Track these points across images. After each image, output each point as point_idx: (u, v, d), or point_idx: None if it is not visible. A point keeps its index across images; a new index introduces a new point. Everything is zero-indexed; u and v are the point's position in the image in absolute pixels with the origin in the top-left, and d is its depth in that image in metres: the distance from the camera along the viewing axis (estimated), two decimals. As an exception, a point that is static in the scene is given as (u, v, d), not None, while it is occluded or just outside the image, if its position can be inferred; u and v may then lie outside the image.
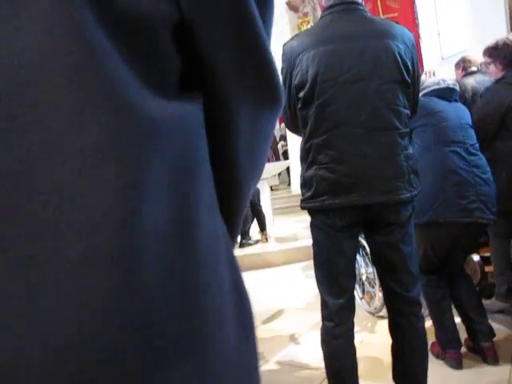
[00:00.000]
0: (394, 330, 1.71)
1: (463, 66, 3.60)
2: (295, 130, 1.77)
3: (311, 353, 2.67)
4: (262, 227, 5.50)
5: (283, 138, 10.50)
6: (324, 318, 1.70)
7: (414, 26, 5.53)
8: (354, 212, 1.59)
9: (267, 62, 0.41)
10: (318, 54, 1.56)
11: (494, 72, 2.64)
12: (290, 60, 1.62)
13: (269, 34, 0.42)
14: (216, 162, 0.42)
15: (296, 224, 6.69)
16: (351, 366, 1.67)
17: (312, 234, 1.72)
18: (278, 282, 4.33)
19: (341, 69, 1.54)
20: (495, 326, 2.39)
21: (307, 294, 3.82)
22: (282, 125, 10.52)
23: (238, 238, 5.40)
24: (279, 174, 9.90)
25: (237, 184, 0.47)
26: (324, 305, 1.69)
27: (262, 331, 3.12)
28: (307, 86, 1.56)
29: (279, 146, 10.63)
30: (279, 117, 0.53)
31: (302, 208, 1.71)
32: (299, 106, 1.62)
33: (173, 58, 0.37)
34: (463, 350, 2.31)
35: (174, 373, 0.32)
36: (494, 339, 2.28)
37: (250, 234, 5.47)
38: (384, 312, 3.09)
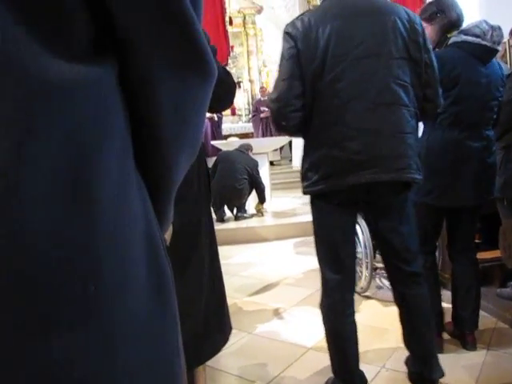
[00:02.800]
0: (399, 299, 1.78)
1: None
2: (288, 112, 1.61)
3: (294, 328, 2.70)
4: (262, 199, 5.48)
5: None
6: (324, 294, 1.74)
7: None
8: (355, 191, 1.61)
9: (193, 34, 0.39)
10: (328, 30, 1.55)
11: None
12: (298, 35, 1.58)
13: (197, 7, 0.40)
14: (140, 136, 0.41)
15: (294, 200, 6.68)
16: (351, 338, 1.73)
17: (312, 212, 1.76)
18: (270, 257, 4.35)
19: (350, 44, 1.54)
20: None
21: (297, 270, 3.85)
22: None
23: (234, 211, 5.40)
24: (281, 149, 9.83)
25: (164, 160, 0.45)
26: (324, 281, 1.73)
27: (246, 304, 3.15)
28: (317, 61, 1.55)
29: (283, 120, 10.53)
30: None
31: (307, 193, 1.71)
32: (308, 81, 1.57)
33: (83, 23, 0.35)
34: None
35: (74, 334, 0.33)
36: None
37: (246, 208, 5.46)
38: (370, 292, 3.11)
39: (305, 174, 1.69)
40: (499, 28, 2.59)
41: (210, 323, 1.60)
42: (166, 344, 0.42)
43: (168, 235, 0.99)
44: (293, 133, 1.73)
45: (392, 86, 1.56)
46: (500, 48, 2.26)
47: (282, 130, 1.70)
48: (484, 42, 2.10)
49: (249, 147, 5.51)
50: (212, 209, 5.41)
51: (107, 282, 0.35)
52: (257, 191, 5.40)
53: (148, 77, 0.40)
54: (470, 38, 2.06)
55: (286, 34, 1.61)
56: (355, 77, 1.54)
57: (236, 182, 5.05)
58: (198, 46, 0.40)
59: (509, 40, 5.59)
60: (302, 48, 1.56)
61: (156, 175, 0.45)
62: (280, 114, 1.61)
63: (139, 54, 0.39)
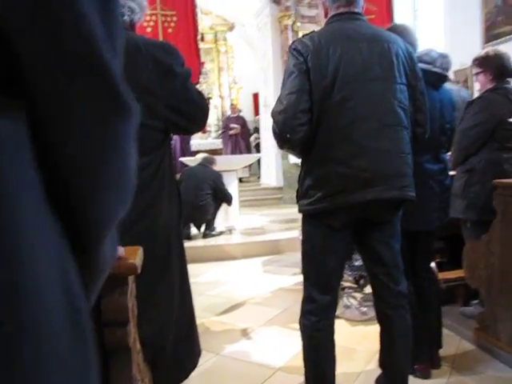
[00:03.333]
0: (383, 320, 1.80)
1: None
2: (293, 128, 1.61)
3: (262, 349, 2.68)
4: (228, 202, 5.38)
5: (257, 130, 10.46)
6: (308, 312, 1.75)
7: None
8: (356, 210, 1.64)
9: (103, 69, 0.38)
10: (339, 50, 1.60)
11: (483, 82, 2.68)
12: (308, 52, 1.61)
13: (113, 35, 0.39)
14: (55, 182, 0.40)
15: (262, 217, 6.70)
16: (331, 358, 1.75)
17: (305, 232, 1.77)
18: (238, 276, 4.32)
19: (361, 66, 1.61)
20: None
21: (265, 289, 3.83)
22: (257, 117, 10.48)
23: (202, 228, 5.36)
24: (250, 166, 9.87)
25: (81, 207, 0.43)
26: (309, 300, 1.74)
27: (214, 324, 3.11)
28: (327, 79, 1.59)
29: (252, 138, 10.58)
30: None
31: (307, 211, 1.70)
32: (316, 98, 1.60)
33: None
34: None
35: None
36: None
37: (215, 225, 5.42)
38: (338, 311, 3.12)
39: (305, 192, 1.68)
40: (447, 56, 2.73)
41: (179, 347, 1.57)
42: (80, 379, 0.42)
43: (138, 262, 0.97)
44: (295, 147, 1.69)
45: (396, 109, 1.64)
46: (448, 74, 2.36)
47: (285, 142, 1.66)
48: (435, 69, 2.21)
49: (212, 160, 5.43)
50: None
51: (25, 320, 0.35)
52: (225, 202, 5.34)
53: (58, 123, 0.39)
54: (422, 65, 2.15)
55: (295, 50, 1.64)
56: (364, 98, 1.60)
57: (197, 199, 4.97)
58: (110, 84, 0.39)
59: (471, 68, 5.85)
60: (313, 65, 1.60)
61: (77, 223, 0.44)
62: (286, 126, 1.61)
63: (46, 97, 0.38)
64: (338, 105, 1.59)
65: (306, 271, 1.79)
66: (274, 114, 1.66)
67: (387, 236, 1.73)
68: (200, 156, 5.84)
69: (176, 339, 1.53)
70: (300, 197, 1.72)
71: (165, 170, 1.48)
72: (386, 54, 1.65)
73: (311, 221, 1.73)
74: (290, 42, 8.40)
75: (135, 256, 1.00)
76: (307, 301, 1.76)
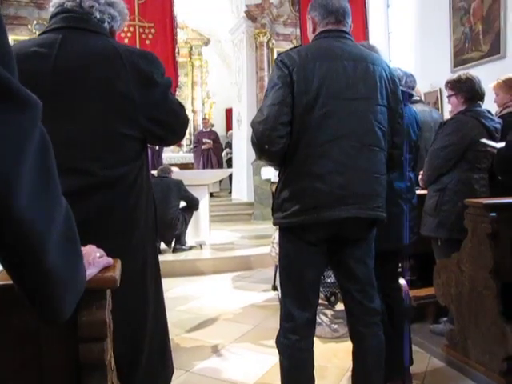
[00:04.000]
0: (356, 337, 1.78)
1: (407, 94, 3.75)
2: (272, 139, 1.60)
3: (233, 366, 2.63)
4: (195, 206, 5.28)
5: (229, 145, 10.47)
6: (287, 330, 1.70)
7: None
8: (331, 226, 1.63)
9: None
10: (325, 66, 1.61)
11: (455, 104, 2.77)
12: (294, 65, 1.61)
13: None
14: None
15: (232, 233, 6.65)
16: (311, 378, 1.72)
17: (282, 247, 1.75)
18: (208, 291, 4.25)
19: (345, 85, 1.61)
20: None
21: (235, 305, 3.78)
22: (230, 132, 10.50)
23: (173, 243, 5.27)
24: (220, 182, 9.84)
25: None
26: (289, 318, 1.70)
27: (184, 340, 3.04)
28: (311, 94, 1.59)
29: (224, 153, 10.56)
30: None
31: (281, 224, 1.70)
32: (298, 112, 1.60)
33: None
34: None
35: None
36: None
37: (186, 240, 5.34)
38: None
39: (281, 205, 1.67)
40: (412, 75, 2.80)
41: (153, 364, 1.51)
42: None
43: (117, 274, 0.93)
44: (273, 159, 1.69)
45: (376, 130, 1.65)
46: (414, 93, 2.42)
47: (263, 153, 1.65)
48: (400, 88, 2.25)
49: (169, 170, 5.34)
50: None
51: None
52: (192, 207, 5.24)
53: None
54: None
55: (281, 62, 1.64)
56: (345, 116, 1.61)
57: (165, 213, 4.84)
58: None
59: (441, 90, 6.06)
60: (297, 79, 1.59)
61: None
62: (265, 137, 1.60)
63: None
64: (320, 120, 1.59)
65: (283, 286, 1.76)
66: (253, 124, 1.66)
67: (362, 253, 1.74)
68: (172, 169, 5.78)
69: (150, 356, 1.47)
70: (275, 209, 1.71)
71: (142, 181, 1.43)
72: (370, 75, 1.66)
73: (287, 234, 1.72)
74: (265, 58, 8.53)
75: (114, 269, 0.96)
76: (286, 319, 1.72)
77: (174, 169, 5.87)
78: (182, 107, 1.53)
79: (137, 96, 1.32)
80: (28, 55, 1.26)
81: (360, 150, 1.62)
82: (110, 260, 0.98)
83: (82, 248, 0.89)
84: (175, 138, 1.59)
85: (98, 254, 0.94)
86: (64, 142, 1.22)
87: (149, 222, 1.49)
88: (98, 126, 1.29)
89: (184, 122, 1.53)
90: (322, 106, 1.59)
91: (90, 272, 0.87)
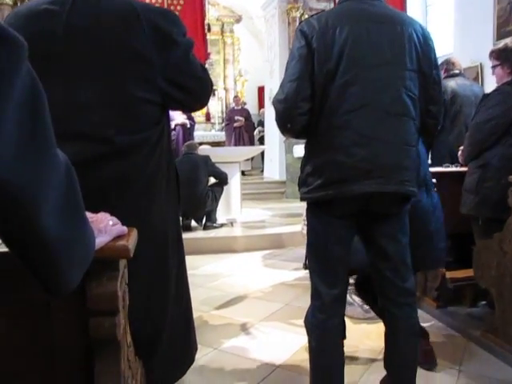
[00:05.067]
0: (388, 318, 1.71)
1: (446, 67, 3.55)
2: (292, 114, 1.55)
3: (261, 345, 2.59)
4: (224, 181, 5.24)
5: (261, 124, 10.35)
6: (316, 309, 1.65)
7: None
8: (357, 200, 1.56)
9: None
10: (345, 31, 1.50)
11: (500, 75, 2.56)
12: (314, 33, 1.52)
13: None
14: None
15: (264, 211, 6.60)
16: (340, 362, 1.65)
17: (309, 222, 1.69)
18: (238, 269, 4.22)
19: (367, 49, 1.51)
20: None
21: (265, 283, 3.74)
22: (262, 110, 10.38)
23: (204, 220, 5.27)
24: (252, 160, 9.78)
25: None
26: (316, 295, 1.65)
27: (213, 317, 3.02)
28: (331, 62, 1.50)
29: (256, 131, 10.46)
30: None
31: (306, 199, 1.64)
32: (319, 82, 1.52)
33: None
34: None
35: None
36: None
37: (216, 217, 5.32)
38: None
39: (305, 179, 1.61)
40: None
41: (175, 343, 1.47)
42: None
43: (131, 244, 0.87)
44: (297, 135, 1.67)
45: (404, 98, 1.53)
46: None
47: (285, 131, 1.63)
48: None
49: (195, 146, 5.29)
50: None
51: None
52: (221, 182, 5.19)
53: None
54: None
55: (300, 31, 1.55)
56: (369, 83, 1.50)
57: (195, 190, 4.84)
58: None
59: (481, 65, 5.74)
60: (317, 46, 1.50)
61: None
62: (286, 116, 1.56)
63: None
64: (341, 89, 1.49)
65: (311, 262, 1.70)
66: (274, 103, 1.60)
67: (393, 229, 1.63)
68: (203, 147, 5.74)
69: (172, 336, 1.43)
70: (300, 184, 1.64)
71: (162, 151, 1.34)
72: (398, 37, 1.53)
73: (313, 209, 1.65)
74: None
75: (128, 238, 0.90)
76: (314, 297, 1.66)
77: (205, 146, 5.84)
78: (205, 70, 1.44)
79: (155, 57, 1.23)
80: (39, 14, 1.21)
81: (386, 119, 1.51)
82: (125, 228, 0.92)
83: (93, 215, 0.86)
84: (197, 104, 1.49)
85: (110, 222, 0.88)
86: (77, 105, 1.17)
87: (171, 197, 1.43)
88: (112, 89, 1.21)
89: (206, 86, 1.44)
90: (344, 74, 1.49)
91: (101, 240, 0.82)
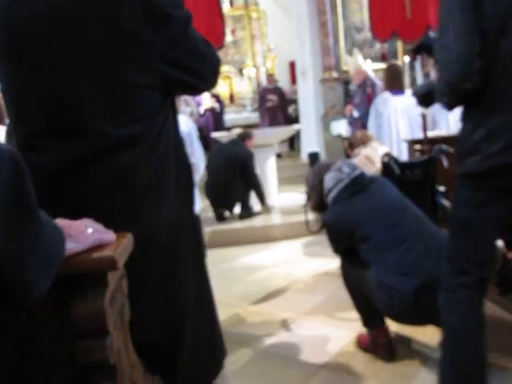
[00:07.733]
0: None
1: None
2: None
3: (303, 342, 2.43)
4: (262, 200, 5.05)
5: (294, 102, 9.99)
6: (458, 285, 1.53)
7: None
8: None
9: None
10: None
11: None
12: None
13: None
14: None
15: (303, 195, 6.35)
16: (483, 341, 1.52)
17: (460, 197, 1.55)
18: (276, 260, 4.04)
19: None
20: None
21: (307, 273, 3.56)
22: (294, 87, 10.03)
23: (238, 210, 5.12)
24: (291, 142, 9.52)
25: None
26: (461, 273, 1.52)
27: (250, 314, 2.89)
28: (501, 8, 1.35)
29: (291, 109, 10.08)
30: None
31: (474, 170, 1.46)
32: (489, 36, 1.37)
33: None
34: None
35: None
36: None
37: (251, 205, 5.12)
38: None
39: (475, 147, 1.43)
40: None
41: (198, 353, 1.34)
42: None
43: (118, 253, 0.83)
44: (465, 97, 1.47)
45: None
46: None
47: (458, 94, 1.45)
48: None
49: (246, 136, 5.08)
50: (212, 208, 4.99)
51: None
52: (255, 192, 5.01)
53: None
54: None
55: None
56: None
57: (227, 178, 4.69)
58: None
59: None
60: None
61: None
62: (462, 75, 1.39)
63: None
64: None
65: (456, 239, 1.56)
66: (443, 64, 1.44)
67: None
68: (235, 132, 5.54)
69: (194, 346, 1.31)
70: (467, 155, 1.46)
71: (167, 142, 1.21)
72: None
73: (475, 182, 1.47)
74: (327, 3, 7.91)
75: (116, 246, 0.81)
76: (458, 273, 1.52)
77: (237, 130, 5.64)
78: (209, 46, 1.28)
79: (148, 35, 1.11)
80: None
81: None
82: (111, 236, 0.85)
83: (68, 221, 0.84)
84: (204, 85, 1.34)
85: (89, 230, 0.84)
86: (68, 98, 1.09)
87: (182, 194, 1.29)
88: (105, 76, 1.10)
89: (212, 63, 1.28)
90: None
91: (70, 247, 0.78)
